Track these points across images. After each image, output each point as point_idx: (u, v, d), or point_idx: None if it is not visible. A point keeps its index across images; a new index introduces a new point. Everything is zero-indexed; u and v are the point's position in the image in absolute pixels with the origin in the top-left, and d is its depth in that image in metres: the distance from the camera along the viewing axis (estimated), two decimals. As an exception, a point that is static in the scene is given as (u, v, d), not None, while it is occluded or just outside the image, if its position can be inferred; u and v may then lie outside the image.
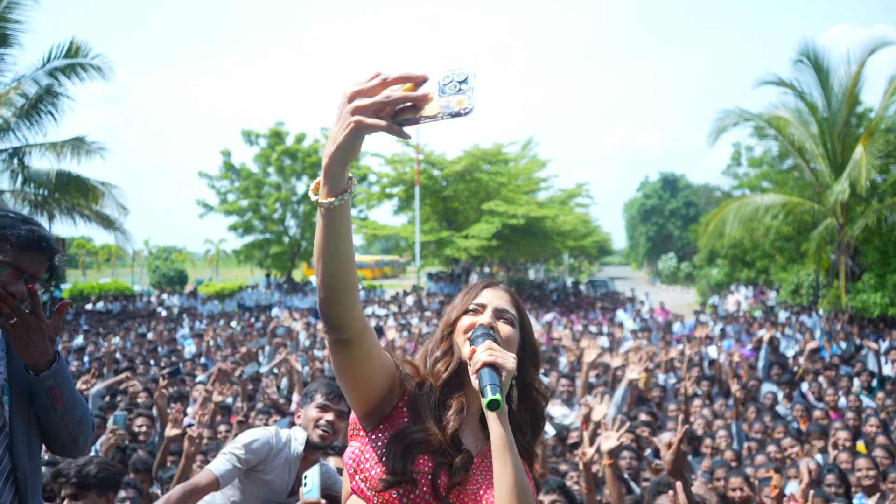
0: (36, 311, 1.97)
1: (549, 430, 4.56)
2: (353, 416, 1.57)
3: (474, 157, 25.24)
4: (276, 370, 8.70)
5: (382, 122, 1.24)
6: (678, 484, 2.62)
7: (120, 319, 17.35)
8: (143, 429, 5.39)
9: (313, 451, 3.05)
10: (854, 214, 16.78)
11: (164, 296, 23.37)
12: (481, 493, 1.53)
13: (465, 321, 1.63)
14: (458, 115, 1.25)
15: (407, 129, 1.28)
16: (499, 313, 1.65)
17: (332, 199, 1.29)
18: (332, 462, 3.44)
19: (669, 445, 2.87)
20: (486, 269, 30.95)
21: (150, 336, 14.51)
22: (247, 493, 2.96)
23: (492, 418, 1.46)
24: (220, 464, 2.84)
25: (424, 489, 1.47)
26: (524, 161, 27.96)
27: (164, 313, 19.44)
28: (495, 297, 1.67)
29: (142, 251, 45.57)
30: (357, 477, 1.51)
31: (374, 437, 1.52)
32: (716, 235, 18.64)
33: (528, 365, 1.67)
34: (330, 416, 3.03)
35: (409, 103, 1.26)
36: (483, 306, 1.65)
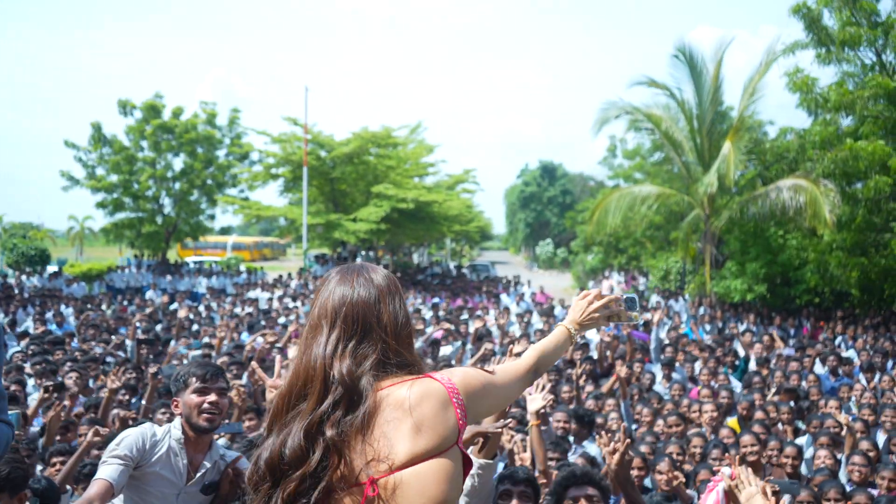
0: None
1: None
2: (464, 420, 1.66)
3: (363, 140, 24.97)
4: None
5: (608, 324, 2.26)
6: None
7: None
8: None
9: (202, 436, 2.97)
10: (718, 206, 18.08)
11: (24, 277, 21.58)
12: None
13: None
14: (631, 322, 2.17)
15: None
16: None
17: (579, 336, 2.15)
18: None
19: (614, 452, 2.95)
20: (372, 253, 30.82)
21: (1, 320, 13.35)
22: (143, 494, 2.83)
23: None
24: (106, 470, 2.69)
25: None
26: (412, 146, 28.00)
27: (26, 296, 17.92)
28: None
29: (-7, 228, 41.76)
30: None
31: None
32: (601, 224, 19.49)
33: None
34: (212, 397, 2.95)
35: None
36: None
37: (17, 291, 18.76)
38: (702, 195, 17.74)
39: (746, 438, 5.35)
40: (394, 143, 26.32)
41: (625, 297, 2.05)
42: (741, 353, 11.09)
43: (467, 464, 1.66)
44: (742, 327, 15.00)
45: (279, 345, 8.52)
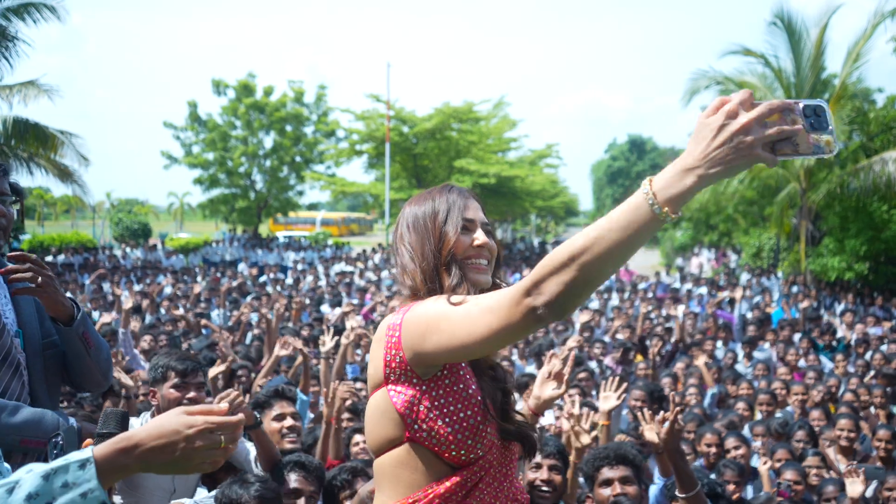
0: (45, 271, 2.09)
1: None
2: (396, 360, 1.54)
3: (445, 115, 25.01)
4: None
5: (776, 159, 1.20)
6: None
7: (82, 272, 16.98)
8: None
9: None
10: (816, 180, 17.11)
11: (128, 249, 22.95)
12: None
13: (464, 242, 1.65)
14: (823, 154, 1.22)
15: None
16: (485, 227, 1.70)
17: (675, 214, 1.23)
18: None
19: (664, 421, 2.87)
20: (455, 228, 30.96)
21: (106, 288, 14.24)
22: (140, 491, 2.86)
23: None
24: None
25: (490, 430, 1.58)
26: (495, 120, 27.81)
27: (129, 267, 19.09)
28: (475, 209, 1.71)
29: (103, 203, 44.52)
30: (416, 426, 1.53)
31: (434, 385, 1.54)
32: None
33: (496, 266, 1.75)
34: (191, 394, 2.94)
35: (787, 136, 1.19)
36: (472, 223, 1.68)
37: (122, 263, 19.98)
38: (798, 168, 16.82)
39: (844, 422, 5.08)
40: (475, 117, 26.22)
41: (802, 104, 1.21)
42: (840, 333, 10.58)
43: (408, 414, 1.51)
44: (840, 307, 14.25)
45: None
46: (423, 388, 1.53)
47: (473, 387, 1.56)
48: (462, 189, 1.74)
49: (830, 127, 1.21)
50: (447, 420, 1.50)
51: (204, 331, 7.89)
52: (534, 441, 1.64)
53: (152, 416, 3.00)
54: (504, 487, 1.59)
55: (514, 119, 28.52)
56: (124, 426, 1.38)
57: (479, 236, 1.66)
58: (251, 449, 3.17)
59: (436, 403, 1.52)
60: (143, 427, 1.25)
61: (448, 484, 1.51)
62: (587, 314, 8.07)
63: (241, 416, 1.31)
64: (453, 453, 1.51)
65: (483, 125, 26.98)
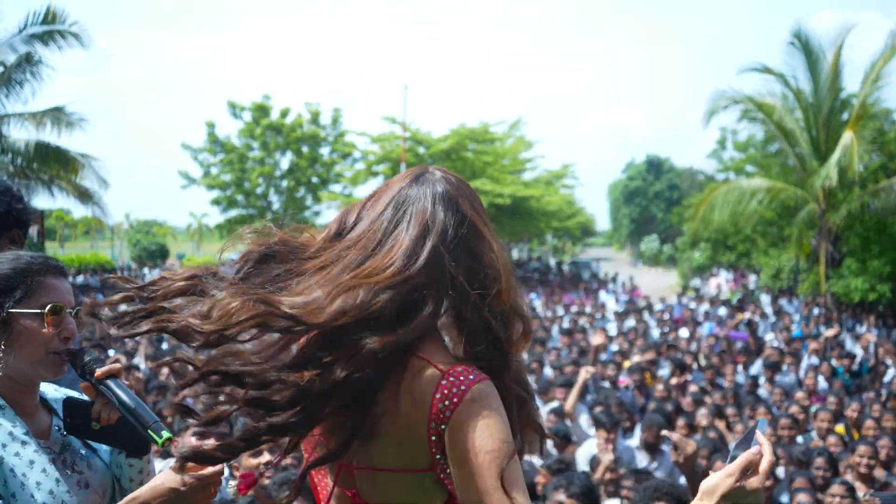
0: None
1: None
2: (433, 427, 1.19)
3: (461, 136, 25.12)
4: None
5: None
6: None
7: (100, 293, 17.17)
8: None
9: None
10: (836, 201, 16.93)
11: (145, 269, 23.18)
12: None
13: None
14: None
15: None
16: None
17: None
18: None
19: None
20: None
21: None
22: None
23: None
24: None
25: None
26: (511, 141, 27.87)
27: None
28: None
29: (122, 224, 45.02)
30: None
31: None
32: (706, 220, 18.76)
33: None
34: (209, 443, 2.85)
35: None
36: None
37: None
38: (818, 189, 16.66)
39: (863, 449, 4.93)
40: (491, 138, 26.32)
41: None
42: (859, 356, 10.36)
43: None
44: (861, 329, 14.03)
45: None
46: None
47: None
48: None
49: None
50: None
51: None
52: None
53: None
54: None
55: (531, 140, 28.62)
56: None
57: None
58: None
59: None
60: (145, 487, 1.55)
61: None
62: (600, 336, 7.95)
63: (222, 466, 1.52)
64: None
65: (499, 146, 27.06)
